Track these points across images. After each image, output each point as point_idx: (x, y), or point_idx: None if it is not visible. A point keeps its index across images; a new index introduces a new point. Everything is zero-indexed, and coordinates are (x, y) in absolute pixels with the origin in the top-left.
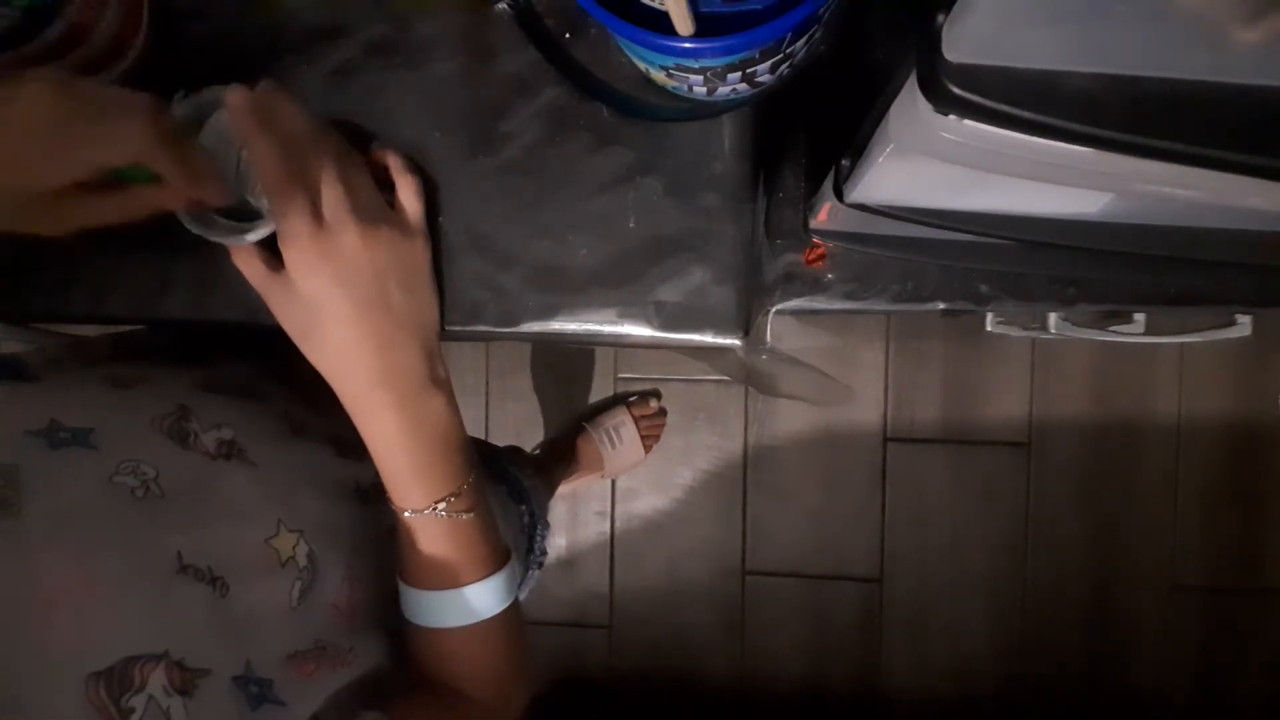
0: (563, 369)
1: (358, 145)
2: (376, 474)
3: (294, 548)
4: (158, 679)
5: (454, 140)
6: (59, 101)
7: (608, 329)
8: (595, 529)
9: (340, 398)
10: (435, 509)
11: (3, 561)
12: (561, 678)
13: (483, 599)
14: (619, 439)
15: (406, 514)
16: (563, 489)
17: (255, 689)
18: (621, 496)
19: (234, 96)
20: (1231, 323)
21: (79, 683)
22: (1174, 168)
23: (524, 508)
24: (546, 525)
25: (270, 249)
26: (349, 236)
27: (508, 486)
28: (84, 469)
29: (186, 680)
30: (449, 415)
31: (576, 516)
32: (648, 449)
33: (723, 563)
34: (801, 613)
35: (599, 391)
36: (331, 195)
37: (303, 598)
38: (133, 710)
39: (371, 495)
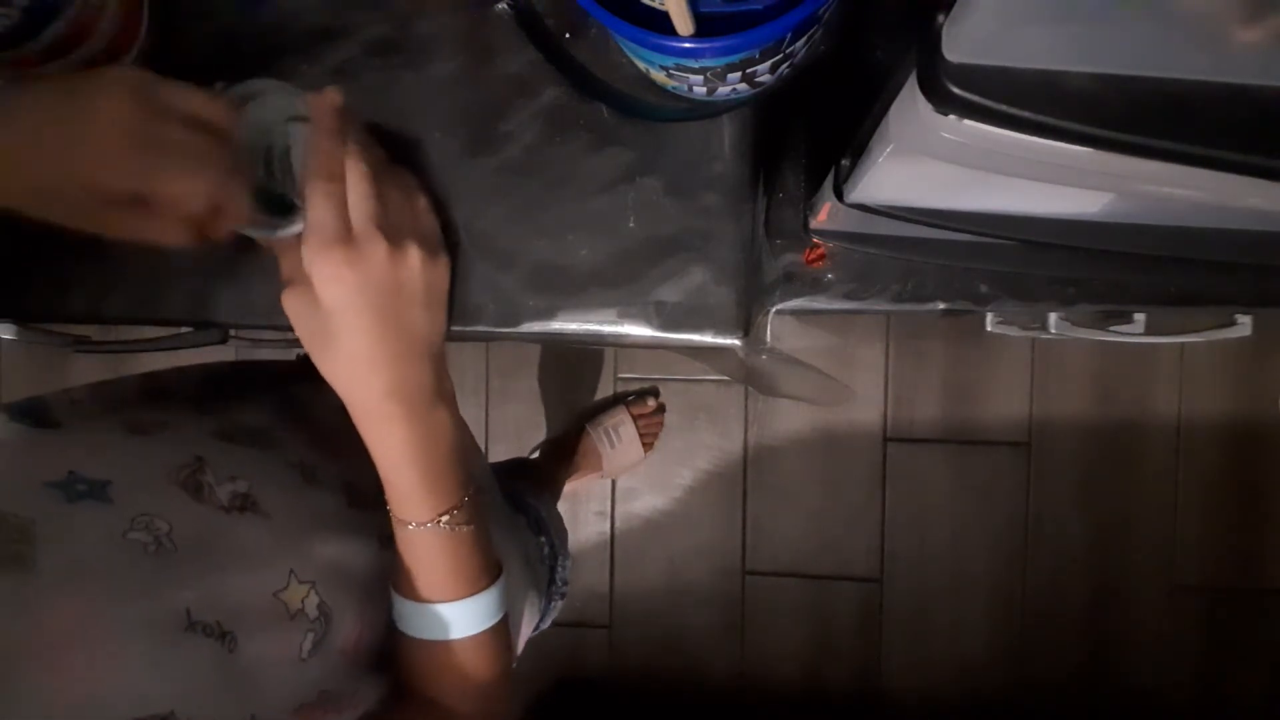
0: (563, 369)
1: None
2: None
3: (303, 600)
4: None
5: (454, 140)
6: (137, 112)
7: (608, 329)
8: (595, 529)
9: (349, 408)
10: (438, 522)
11: (13, 614)
12: (561, 678)
13: (476, 612)
14: (617, 438)
15: (410, 527)
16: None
17: None
18: (621, 496)
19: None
20: (1231, 323)
21: None
22: (1174, 168)
23: (543, 539)
24: (567, 555)
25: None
26: (378, 250)
27: (527, 518)
28: (99, 523)
29: None
30: (454, 429)
31: (576, 516)
32: (647, 448)
33: (723, 563)
34: (801, 613)
35: (599, 391)
36: (364, 209)
37: (314, 650)
38: None
39: (389, 539)
